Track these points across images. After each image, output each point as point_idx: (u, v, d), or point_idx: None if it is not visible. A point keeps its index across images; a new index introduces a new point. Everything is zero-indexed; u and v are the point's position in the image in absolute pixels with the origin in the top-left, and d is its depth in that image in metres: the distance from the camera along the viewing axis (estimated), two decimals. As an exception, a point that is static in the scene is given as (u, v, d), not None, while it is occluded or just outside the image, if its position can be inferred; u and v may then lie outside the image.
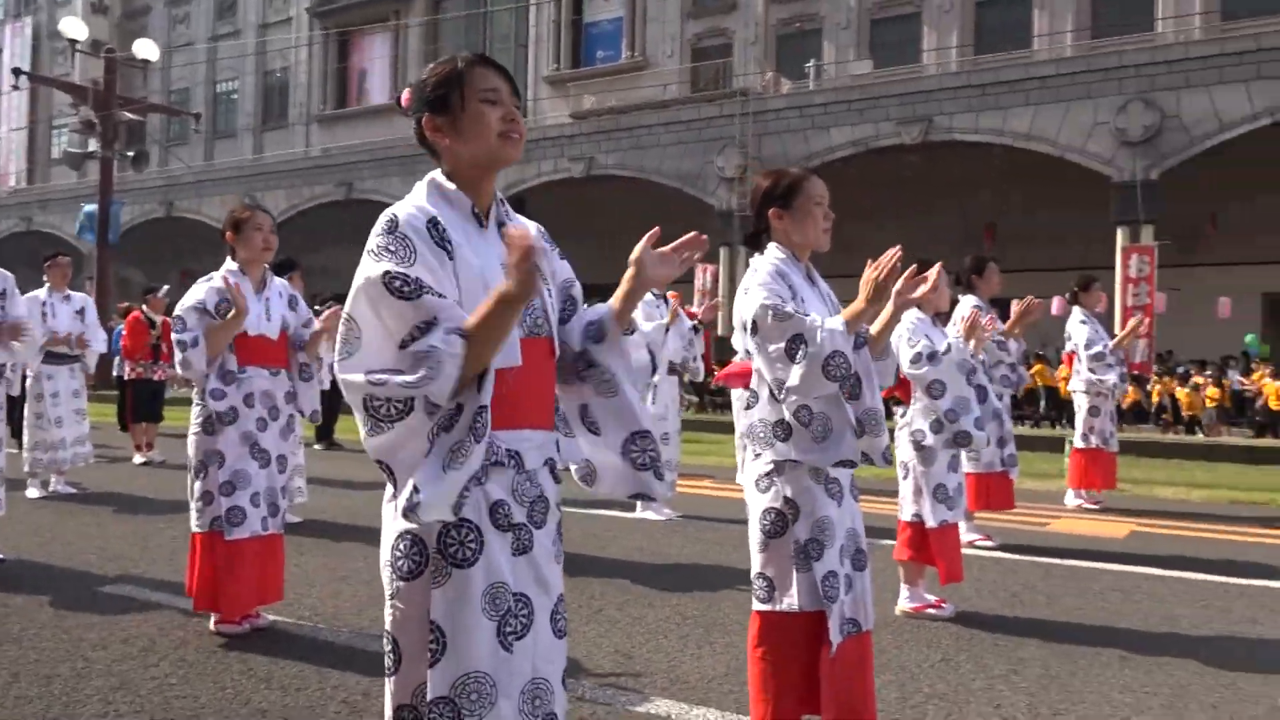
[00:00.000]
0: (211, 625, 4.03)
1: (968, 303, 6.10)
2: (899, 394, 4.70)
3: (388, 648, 1.87)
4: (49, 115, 43.56)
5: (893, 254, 2.60)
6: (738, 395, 2.88)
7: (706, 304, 7.47)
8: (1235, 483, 10.53)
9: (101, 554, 5.57)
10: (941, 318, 4.92)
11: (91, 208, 23.06)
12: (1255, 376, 18.82)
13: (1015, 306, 6.00)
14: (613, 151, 25.80)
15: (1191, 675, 3.76)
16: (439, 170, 1.98)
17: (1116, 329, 16.12)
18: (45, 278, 7.89)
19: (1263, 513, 8.34)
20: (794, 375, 2.61)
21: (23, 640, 3.89)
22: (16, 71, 23.94)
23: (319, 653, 3.79)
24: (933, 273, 3.02)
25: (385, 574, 1.88)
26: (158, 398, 10.79)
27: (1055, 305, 18.62)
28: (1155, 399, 19.31)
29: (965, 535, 5.83)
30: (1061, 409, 19.89)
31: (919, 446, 4.53)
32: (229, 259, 4.17)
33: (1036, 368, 19.10)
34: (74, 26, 21.98)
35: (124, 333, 10.86)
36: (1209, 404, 18.52)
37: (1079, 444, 8.14)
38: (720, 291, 23.84)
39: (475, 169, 1.95)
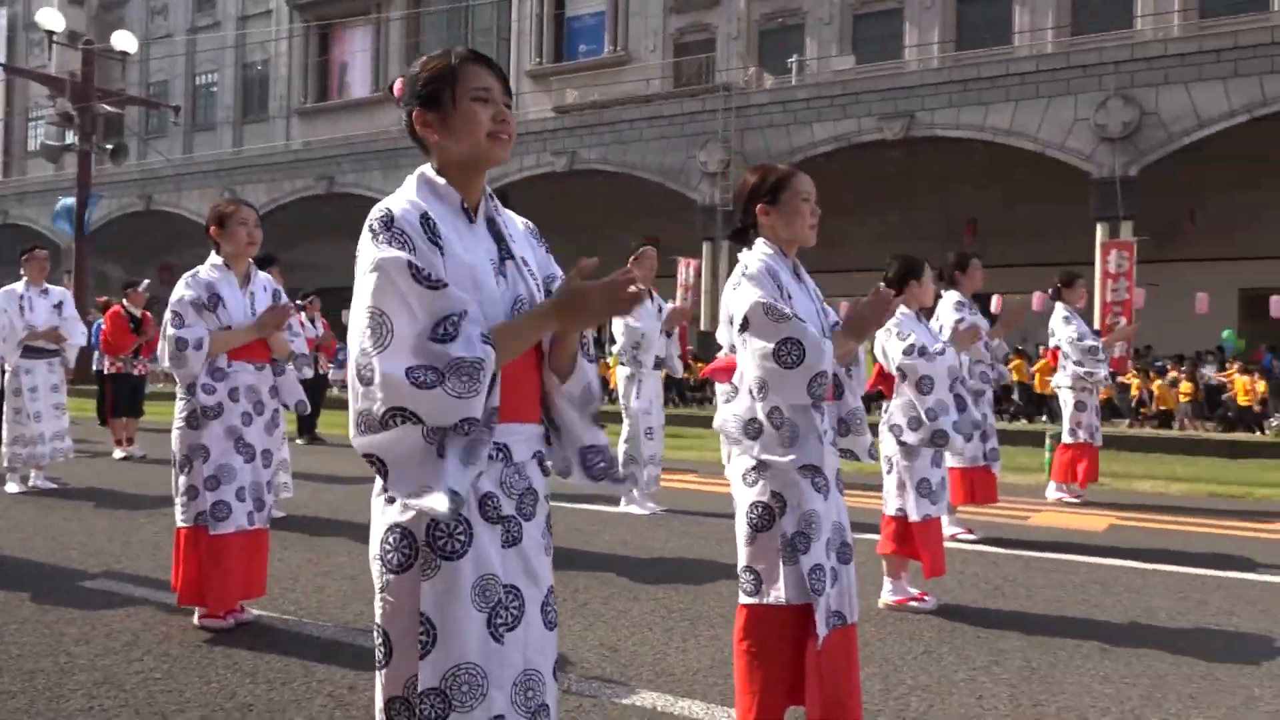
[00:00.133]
0: (196, 620, 4.02)
1: (950, 298, 6.15)
2: (883, 388, 4.73)
3: (378, 640, 1.87)
4: (25, 107, 43.11)
5: (890, 301, 2.76)
6: (722, 390, 2.90)
7: (675, 307, 7.46)
8: (1213, 477, 10.65)
9: (83, 549, 5.54)
10: (925, 312, 4.95)
11: (69, 201, 22.84)
12: (1228, 372, 19.03)
13: (995, 303, 6.06)
14: (595, 146, 25.77)
15: (1169, 666, 3.80)
16: (429, 165, 1.98)
17: (1095, 324, 16.28)
18: (22, 271, 7.83)
19: (1240, 506, 8.44)
20: (779, 379, 2.64)
21: (4, 635, 3.87)
22: (-8, 63, 23.68)
23: (304, 647, 3.78)
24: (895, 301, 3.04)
25: (375, 567, 1.88)
26: (138, 392, 10.72)
27: (1035, 301, 18.75)
28: (1135, 393, 19.49)
29: (947, 529, 5.88)
30: (1037, 404, 20.05)
31: (900, 442, 4.56)
32: (213, 253, 4.15)
33: (1015, 362, 19.26)
34: (50, 18, 21.74)
35: (104, 327, 10.78)
36: (1183, 399, 18.72)
37: (1067, 439, 8.20)
38: (702, 286, 23.89)
39: (464, 165, 1.95)
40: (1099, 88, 20.19)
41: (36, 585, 4.68)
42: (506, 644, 1.84)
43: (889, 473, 4.64)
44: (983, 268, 6.29)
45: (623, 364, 7.21)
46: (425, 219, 1.85)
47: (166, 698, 3.21)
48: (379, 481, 1.91)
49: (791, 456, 2.69)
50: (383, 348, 1.74)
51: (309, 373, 5.15)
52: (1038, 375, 19.63)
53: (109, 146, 22.79)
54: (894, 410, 4.60)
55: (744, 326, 2.72)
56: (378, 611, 1.87)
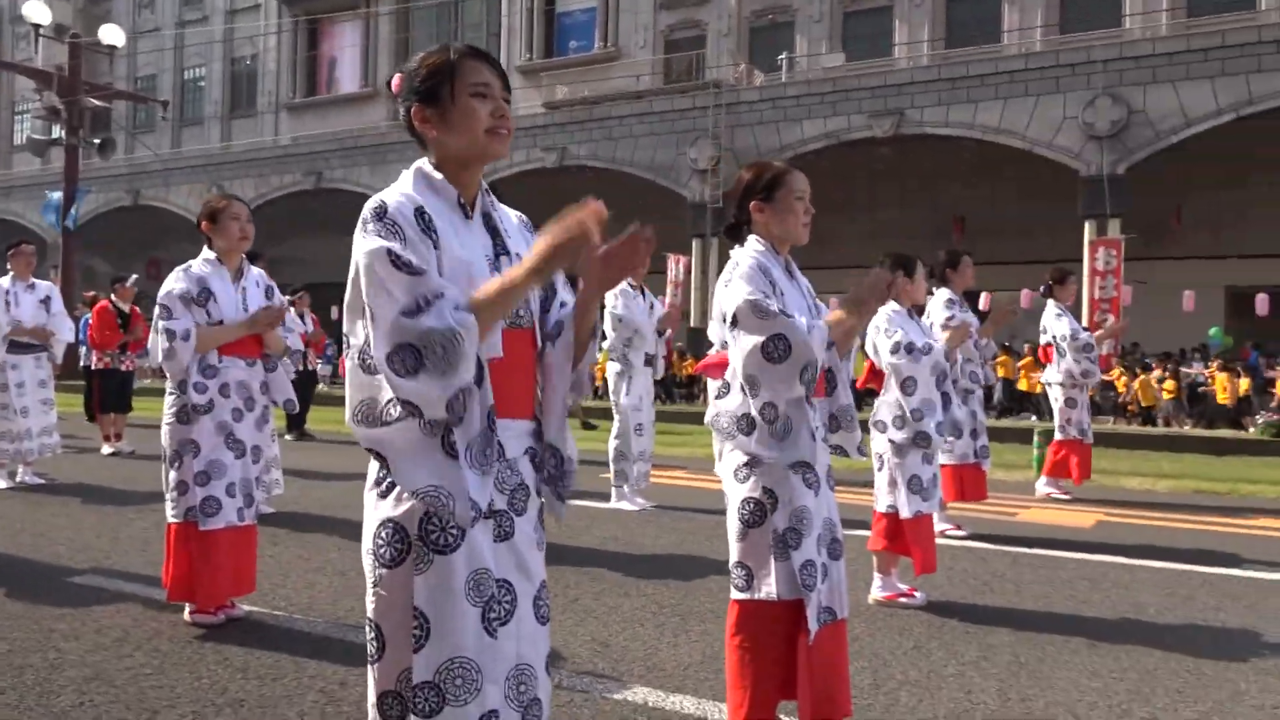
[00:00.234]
0: (187, 616, 4.01)
1: (941, 296, 6.17)
2: (874, 385, 4.74)
3: (370, 635, 1.88)
4: (11, 101, 42.83)
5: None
6: (714, 386, 2.91)
7: (669, 310, 7.46)
8: (1199, 473, 10.72)
9: (71, 545, 5.52)
10: (916, 310, 4.97)
11: (56, 195, 22.71)
12: (1208, 369, 19.16)
13: (984, 300, 6.09)
14: (585, 142, 25.76)
15: (1157, 661, 3.83)
16: (426, 159, 1.98)
17: (1084, 321, 16.33)
18: (9, 266, 7.78)
19: (1226, 502, 8.50)
20: (769, 372, 2.65)
21: (-7, 632, 3.85)
22: (-22, 56, 23.52)
23: (295, 643, 3.78)
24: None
25: (367, 561, 1.88)
26: (126, 387, 10.67)
27: (1024, 298, 18.83)
28: (1121, 390, 19.60)
29: (937, 525, 5.90)
30: (1020, 401, 20.15)
31: (890, 440, 4.57)
32: (205, 248, 4.14)
33: (1000, 358, 19.36)
34: (37, 10, 21.59)
35: (91, 322, 10.73)
36: (1167, 395, 18.84)
37: (1058, 436, 8.24)
38: (692, 283, 23.92)
39: (462, 161, 1.95)
40: (1087, 86, 20.28)
41: (25, 581, 4.67)
42: (500, 638, 1.84)
43: (880, 470, 4.65)
44: (973, 265, 6.33)
45: (613, 360, 7.21)
46: (420, 212, 1.85)
47: (157, 693, 3.21)
48: (371, 475, 1.91)
49: (784, 452, 2.70)
50: (377, 347, 1.75)
51: (293, 370, 5.12)
52: (1022, 373, 19.74)
53: (96, 141, 22.68)
54: (880, 407, 4.62)
55: (734, 323, 2.73)
56: (370, 606, 1.88)
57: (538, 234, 2.08)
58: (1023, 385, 19.87)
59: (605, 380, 7.75)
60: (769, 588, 2.69)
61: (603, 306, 7.24)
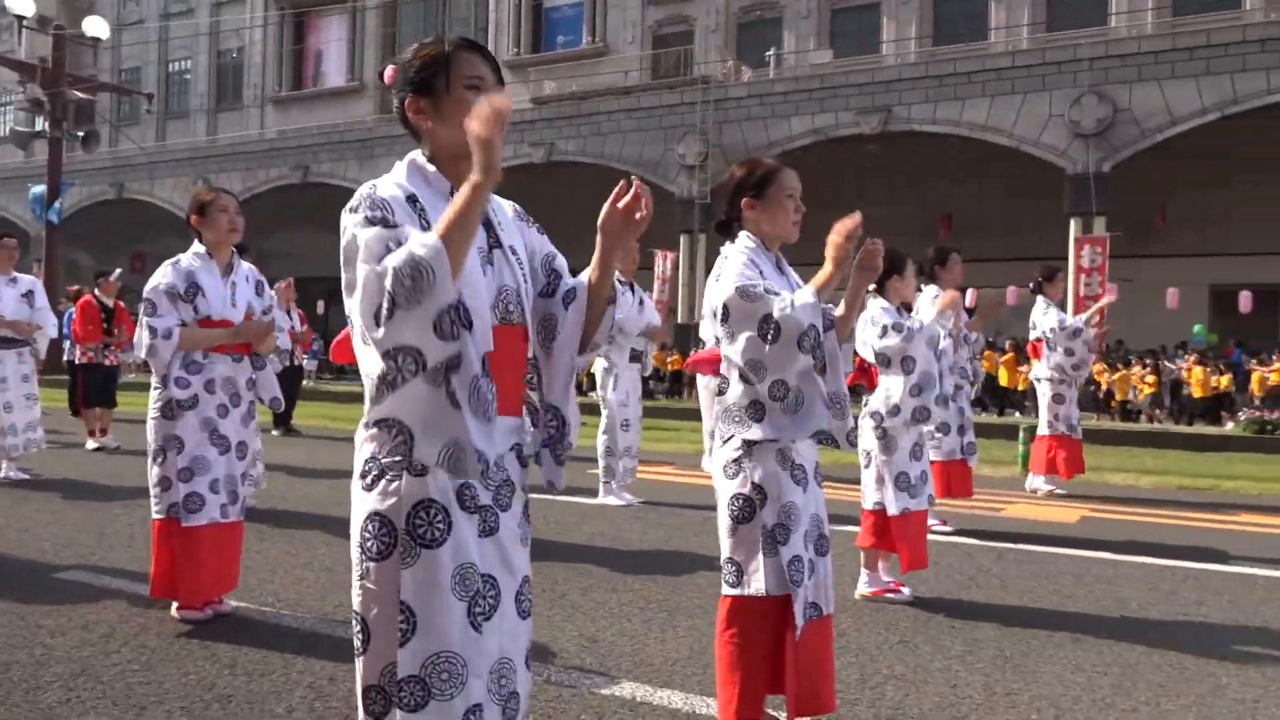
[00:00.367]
0: (174, 612, 3.99)
1: (930, 293, 6.19)
2: (863, 381, 4.76)
3: (356, 628, 1.88)
4: (-6, 93, 42.49)
5: (855, 219, 2.67)
6: (705, 383, 2.93)
7: (655, 329, 7.44)
8: (1182, 469, 10.81)
9: (57, 541, 5.49)
10: (906, 307, 4.99)
11: (40, 188, 22.56)
12: (1186, 364, 19.30)
13: (971, 297, 6.10)
14: (573, 138, 25.73)
15: (1140, 655, 3.87)
16: (419, 151, 1.98)
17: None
18: (-7, 260, 7.72)
19: (1208, 498, 8.57)
20: (767, 352, 2.65)
21: (-22, 628, 3.83)
22: (-40, 48, 23.33)
23: (283, 638, 3.77)
24: (879, 244, 3.02)
25: (354, 554, 1.89)
26: (111, 381, 10.62)
27: (1010, 295, 18.93)
28: (1104, 386, 19.75)
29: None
30: (1002, 397, 20.25)
31: (881, 434, 4.59)
32: (195, 242, 4.12)
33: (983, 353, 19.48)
34: (20, 2, 21.41)
35: (75, 317, 10.66)
36: (1148, 390, 18.99)
37: (1044, 431, 8.28)
38: (680, 278, 23.93)
39: (456, 153, 1.95)
40: (1073, 84, 20.38)
41: (10, 577, 4.64)
42: (485, 633, 1.85)
43: (867, 466, 4.67)
44: (961, 262, 6.35)
45: (600, 356, 7.22)
46: (412, 199, 1.86)
47: (145, 689, 3.20)
48: (357, 467, 1.91)
49: (801, 426, 2.71)
50: (356, 305, 1.77)
51: (280, 365, 5.11)
52: (1003, 369, 19.85)
53: (80, 134, 22.55)
54: (874, 401, 4.64)
55: (725, 317, 2.74)
56: (356, 599, 1.88)
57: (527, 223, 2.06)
58: (1003, 380, 19.98)
59: (590, 376, 7.77)
60: (758, 583, 2.71)
61: None
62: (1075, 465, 8.24)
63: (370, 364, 1.82)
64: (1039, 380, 8.44)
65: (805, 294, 2.68)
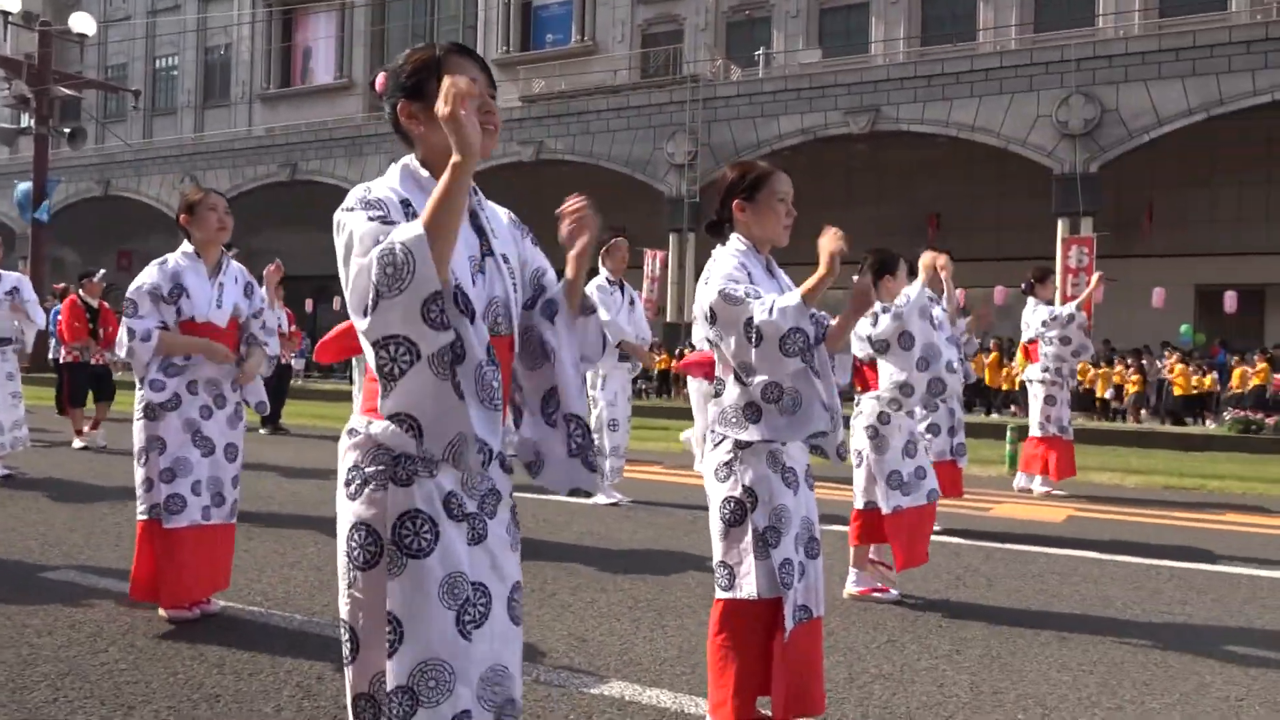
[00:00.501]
0: (161, 612, 3.98)
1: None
2: (855, 382, 4.77)
3: (344, 636, 1.87)
4: (-21, 89, 42.20)
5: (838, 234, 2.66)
6: (696, 386, 2.94)
7: (643, 350, 7.41)
8: (1168, 469, 10.88)
9: (43, 540, 5.47)
10: None
11: (26, 186, 22.43)
12: (1168, 363, 19.42)
13: (960, 296, 6.10)
14: (562, 136, 25.72)
15: (1125, 654, 3.90)
16: (412, 156, 1.98)
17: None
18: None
19: (1193, 498, 8.63)
20: (754, 356, 2.65)
21: (-35, 627, 3.82)
22: (-55, 43, 23.18)
23: (271, 638, 3.77)
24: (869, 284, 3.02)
25: (341, 562, 1.88)
26: (105, 377, 10.63)
27: (998, 295, 19.01)
28: (1085, 385, 19.86)
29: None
30: (985, 396, 20.32)
31: (873, 434, 4.60)
32: (185, 242, 4.10)
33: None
34: (6, -2, 21.32)
35: (61, 316, 10.61)
36: (1133, 389, 19.10)
37: (1035, 432, 8.31)
38: (669, 277, 23.94)
39: (448, 158, 1.96)
40: (1061, 85, 20.48)
41: (-4, 576, 4.62)
42: (475, 640, 1.84)
43: (859, 466, 4.68)
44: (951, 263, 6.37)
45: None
46: (405, 204, 1.87)
47: (132, 689, 3.19)
48: (341, 475, 1.91)
49: (798, 428, 2.70)
50: (350, 299, 1.76)
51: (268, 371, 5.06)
52: (987, 370, 19.94)
53: (66, 130, 22.43)
54: (867, 403, 4.64)
55: (713, 320, 2.75)
56: (344, 607, 1.87)
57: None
58: (986, 379, 20.06)
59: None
60: (750, 586, 2.71)
61: None
62: (1065, 468, 8.26)
63: (370, 358, 1.80)
64: (1031, 382, 8.47)
65: (790, 297, 2.66)
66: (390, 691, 1.78)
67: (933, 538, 6.13)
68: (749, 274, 2.79)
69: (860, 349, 4.61)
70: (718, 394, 2.84)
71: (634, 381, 7.62)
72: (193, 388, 3.99)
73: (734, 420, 2.78)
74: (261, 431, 11.65)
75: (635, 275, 21.52)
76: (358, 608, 1.84)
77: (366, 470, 1.85)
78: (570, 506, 6.96)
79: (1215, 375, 19.43)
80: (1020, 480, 8.56)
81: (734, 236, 2.89)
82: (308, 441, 11.24)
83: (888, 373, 4.58)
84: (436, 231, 1.70)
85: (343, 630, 1.88)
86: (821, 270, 2.64)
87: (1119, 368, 19.62)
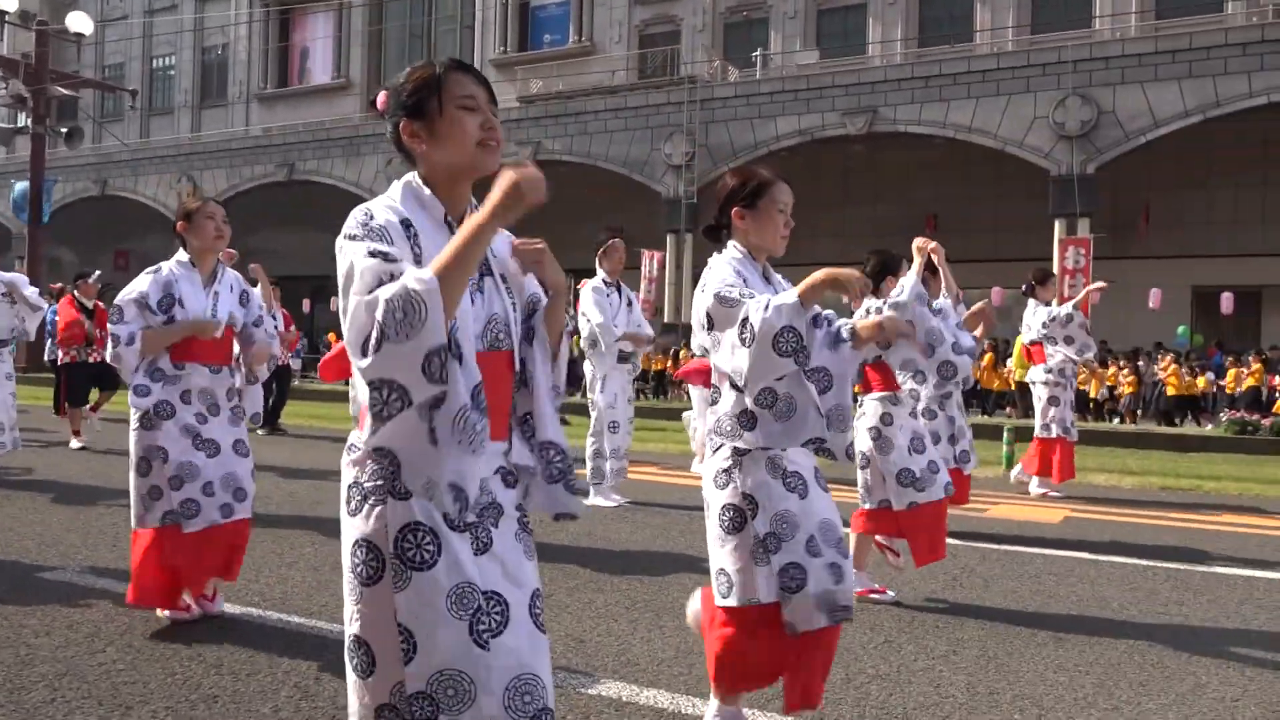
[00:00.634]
0: (160, 612, 3.98)
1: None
2: (857, 387, 4.78)
3: (359, 652, 1.86)
4: (-25, 88, 42.14)
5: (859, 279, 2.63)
6: (699, 393, 2.94)
7: (637, 336, 7.39)
8: (1165, 470, 10.89)
9: (41, 540, 5.47)
10: None
11: (23, 185, 22.41)
12: (1162, 364, 19.44)
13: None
14: (560, 137, 25.73)
15: (1121, 654, 3.91)
16: (415, 174, 1.98)
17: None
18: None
19: (1189, 499, 8.65)
20: (747, 358, 2.62)
21: (-38, 628, 3.82)
22: (-58, 43, 23.16)
23: (268, 638, 3.77)
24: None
25: (347, 579, 1.88)
26: (106, 371, 10.64)
27: (995, 296, 19.03)
28: (1081, 385, 19.90)
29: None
30: (981, 398, 20.34)
31: (876, 435, 4.60)
32: (181, 249, 4.09)
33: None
34: (3, -2, 21.28)
35: (57, 316, 10.62)
36: (1128, 390, 19.14)
37: (1040, 434, 8.33)
38: (667, 278, 23.95)
39: (452, 175, 1.95)
40: (1058, 86, 20.51)
41: (-7, 577, 4.62)
42: (493, 650, 1.83)
43: (864, 468, 4.67)
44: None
45: (588, 358, 7.26)
46: (405, 224, 1.86)
47: (130, 689, 3.20)
48: (344, 493, 1.91)
49: (792, 434, 2.68)
50: (347, 334, 1.75)
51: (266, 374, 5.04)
52: (983, 371, 19.96)
53: (63, 130, 22.39)
54: (870, 405, 4.64)
55: (709, 325, 2.75)
56: (355, 624, 1.87)
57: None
58: (981, 381, 20.08)
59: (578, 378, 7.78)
60: (751, 593, 2.70)
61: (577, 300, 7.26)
62: (1067, 470, 8.27)
63: (362, 392, 1.81)
64: (1034, 383, 8.49)
65: (786, 296, 2.63)
66: (410, 697, 1.79)
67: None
68: (745, 280, 2.78)
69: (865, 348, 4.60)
70: (714, 402, 2.83)
71: (632, 383, 7.63)
72: (186, 397, 3.96)
73: (729, 429, 2.77)
74: (259, 431, 11.64)
75: (633, 276, 21.52)
76: (369, 623, 1.85)
77: (365, 486, 1.86)
78: (567, 507, 6.96)
79: (1210, 376, 19.46)
80: (1018, 473, 8.57)
81: (731, 244, 2.89)
82: (305, 442, 11.24)
83: (896, 362, 4.57)
84: (448, 282, 1.71)
85: (356, 646, 1.87)
86: (820, 275, 2.61)
87: (1111, 369, 19.65)
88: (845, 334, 2.71)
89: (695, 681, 3.40)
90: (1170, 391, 18.64)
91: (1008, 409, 19.29)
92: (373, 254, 1.75)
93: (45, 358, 11.98)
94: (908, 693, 3.40)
